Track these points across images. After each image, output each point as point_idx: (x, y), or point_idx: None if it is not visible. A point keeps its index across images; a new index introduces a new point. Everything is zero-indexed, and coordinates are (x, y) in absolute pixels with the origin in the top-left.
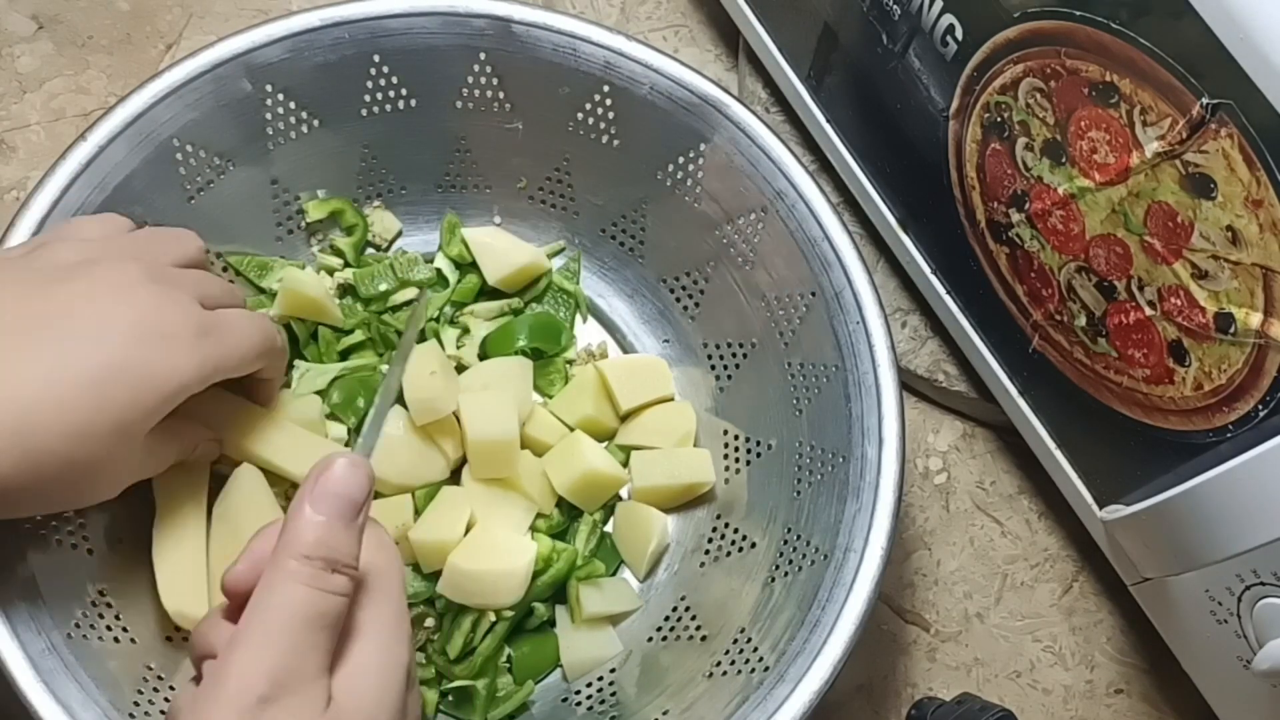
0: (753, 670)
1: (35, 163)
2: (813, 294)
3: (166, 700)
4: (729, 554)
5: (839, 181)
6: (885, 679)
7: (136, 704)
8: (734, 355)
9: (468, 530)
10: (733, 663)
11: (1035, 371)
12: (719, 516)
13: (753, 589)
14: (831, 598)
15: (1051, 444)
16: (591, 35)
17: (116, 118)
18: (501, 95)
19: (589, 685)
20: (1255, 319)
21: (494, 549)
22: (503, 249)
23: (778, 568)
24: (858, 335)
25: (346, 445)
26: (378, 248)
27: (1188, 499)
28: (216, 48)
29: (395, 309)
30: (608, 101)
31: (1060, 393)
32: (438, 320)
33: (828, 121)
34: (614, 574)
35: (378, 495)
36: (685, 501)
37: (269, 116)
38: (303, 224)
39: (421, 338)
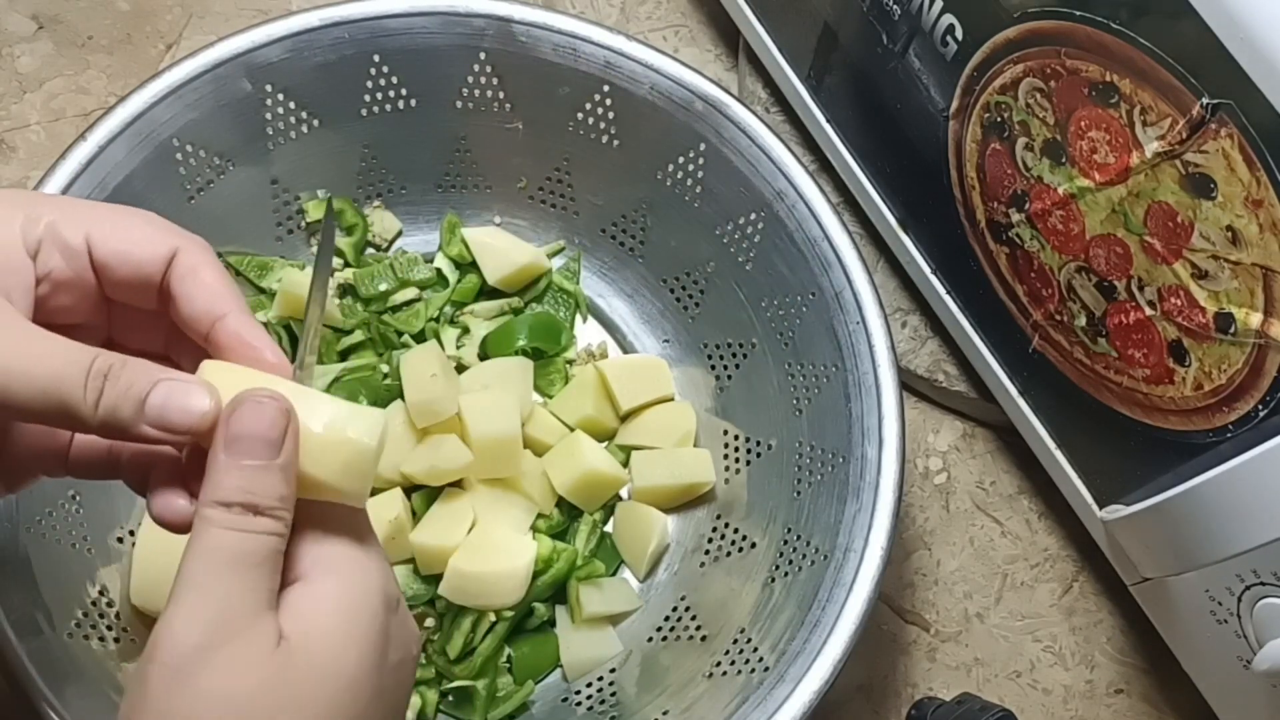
0: (753, 670)
1: (35, 163)
2: (813, 294)
3: None
4: (729, 554)
5: (839, 181)
6: (885, 679)
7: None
8: (734, 355)
9: (468, 531)
10: (733, 663)
11: (1035, 371)
12: (719, 516)
13: (753, 589)
14: (831, 598)
15: (1051, 444)
16: (591, 35)
17: (116, 118)
18: (501, 95)
19: (589, 685)
20: (1255, 319)
21: (494, 550)
22: (503, 249)
23: (778, 568)
24: (858, 335)
25: None
26: (377, 248)
27: (1188, 499)
28: (216, 48)
29: (395, 309)
30: (608, 101)
31: (1060, 393)
32: (438, 320)
33: (828, 121)
34: (614, 574)
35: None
36: (685, 501)
37: (269, 116)
38: (303, 224)
39: (421, 338)
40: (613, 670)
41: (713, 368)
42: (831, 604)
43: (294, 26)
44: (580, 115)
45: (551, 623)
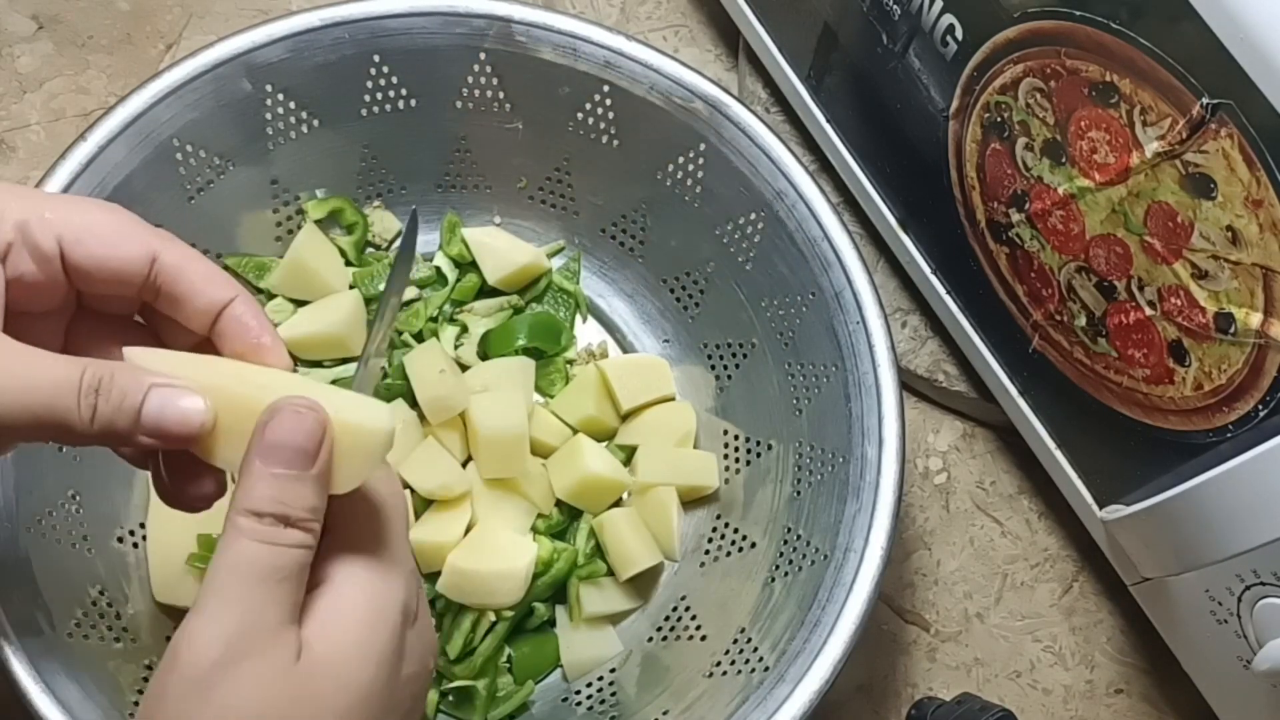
0: (753, 670)
1: (35, 163)
2: (813, 294)
3: None
4: (729, 554)
5: (839, 181)
6: (885, 679)
7: (136, 704)
8: (734, 355)
9: (467, 531)
10: (733, 663)
11: (1035, 371)
12: (719, 516)
13: (753, 589)
14: (831, 598)
15: (1051, 444)
16: (591, 35)
17: (116, 118)
18: (501, 95)
19: (589, 685)
20: (1255, 319)
21: (494, 549)
22: (502, 249)
23: (778, 568)
24: (858, 335)
25: None
26: (377, 247)
27: (1188, 499)
28: (216, 48)
29: None
30: (608, 101)
31: (1060, 393)
32: (436, 320)
33: (828, 121)
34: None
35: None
36: (686, 502)
37: (269, 116)
38: (303, 224)
39: (420, 338)
40: (613, 670)
41: (713, 368)
42: (831, 604)
43: (294, 26)
44: (580, 115)
45: (552, 623)
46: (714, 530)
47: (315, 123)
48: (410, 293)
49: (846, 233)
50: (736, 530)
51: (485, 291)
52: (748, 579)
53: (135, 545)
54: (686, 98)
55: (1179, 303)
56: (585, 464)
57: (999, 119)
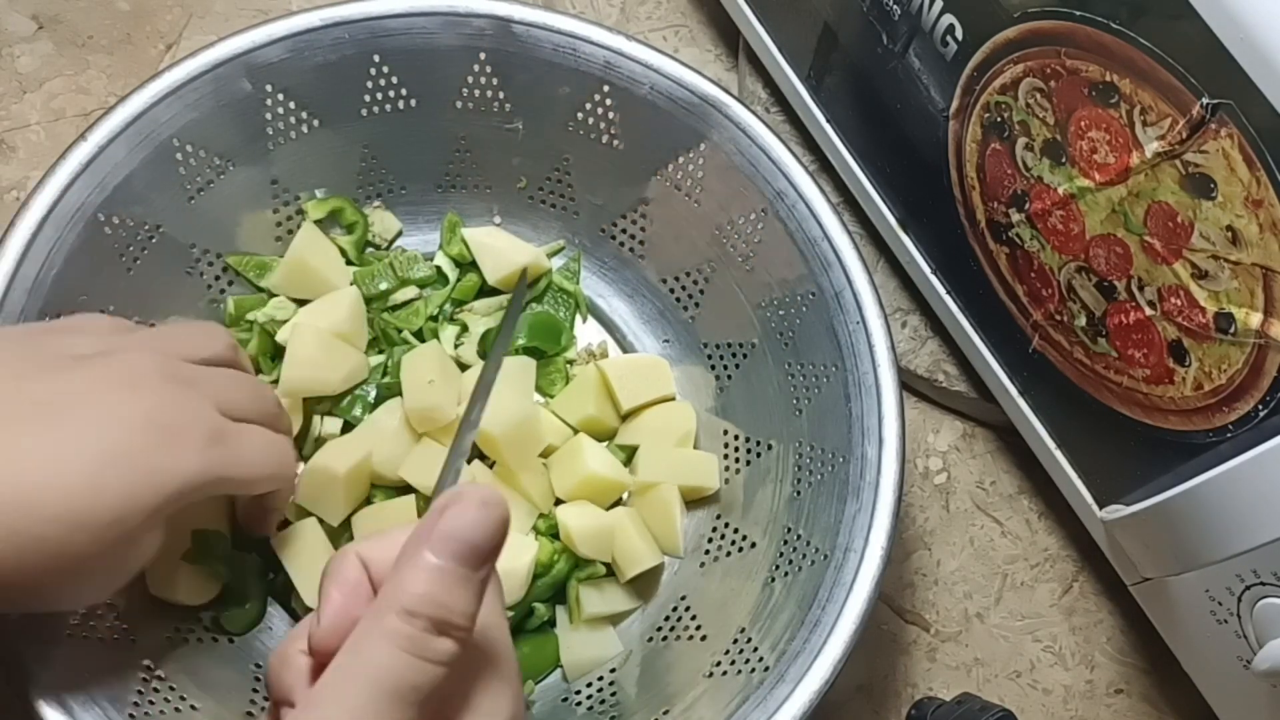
0: (753, 670)
1: (35, 163)
2: (812, 294)
3: (166, 700)
4: (729, 554)
5: (839, 181)
6: (885, 679)
7: (136, 704)
8: (734, 355)
9: None
10: (733, 663)
11: (1035, 371)
12: (719, 516)
13: (753, 589)
14: (831, 598)
15: (1051, 444)
16: (591, 35)
17: (116, 118)
18: (501, 95)
19: (589, 685)
20: (1255, 319)
21: None
22: (502, 249)
23: (778, 568)
24: (858, 335)
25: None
26: (377, 247)
27: (1188, 499)
28: (216, 48)
29: (395, 308)
30: (608, 101)
31: (1060, 393)
32: (436, 319)
33: (828, 121)
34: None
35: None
36: (686, 502)
37: (269, 116)
38: (303, 224)
39: (420, 337)
40: (613, 670)
41: (712, 368)
42: (831, 604)
43: (294, 27)
44: (580, 115)
45: (551, 623)
46: (714, 530)
47: (315, 123)
48: (410, 292)
49: (846, 233)
50: (736, 530)
51: (485, 291)
52: (748, 579)
53: None
54: (686, 98)
55: (1179, 303)
56: (586, 464)
57: (999, 119)
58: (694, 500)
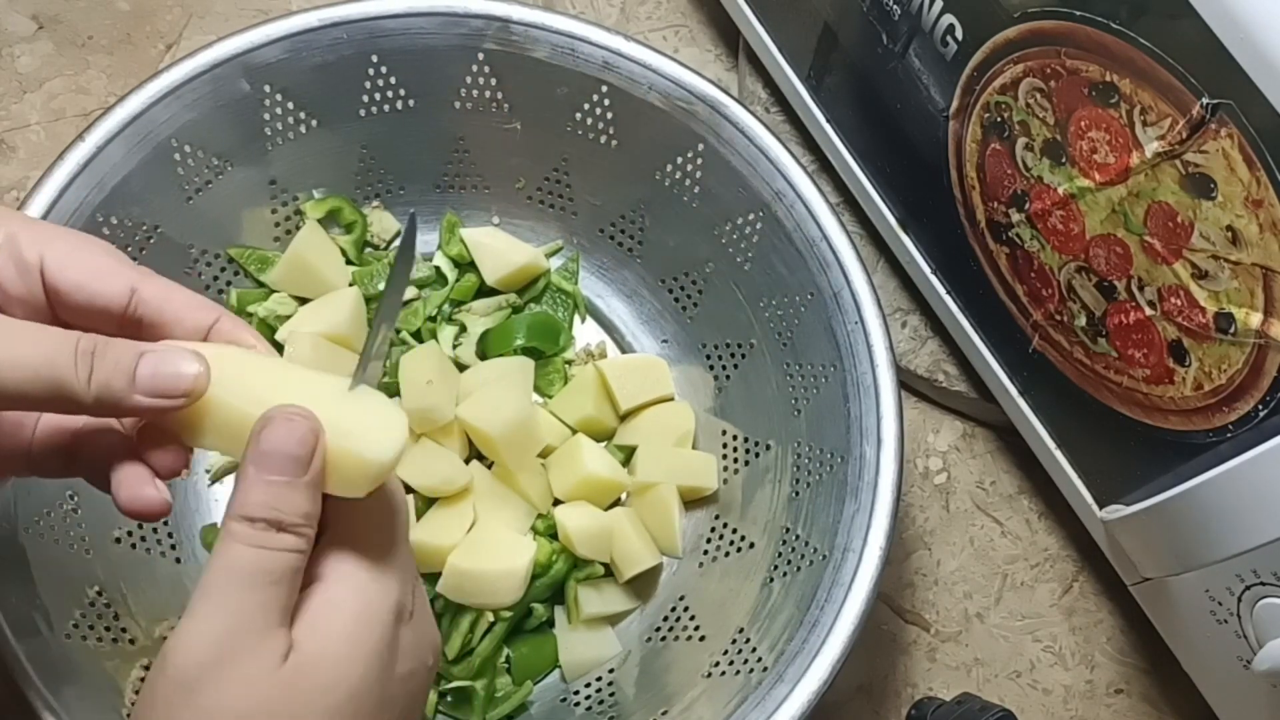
0: (751, 670)
1: (35, 163)
2: (811, 294)
3: None
4: (728, 554)
5: (839, 181)
6: (885, 679)
7: (134, 704)
8: (733, 355)
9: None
10: (731, 663)
11: (1035, 371)
12: (718, 517)
13: (751, 589)
14: (830, 598)
15: (1051, 444)
16: (590, 35)
17: (114, 118)
18: (500, 95)
19: (588, 685)
20: (1255, 319)
21: (494, 548)
22: (501, 249)
23: (776, 568)
24: (856, 336)
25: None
26: (376, 247)
27: (1188, 499)
28: (215, 48)
29: None
30: (606, 102)
31: (1060, 393)
32: (435, 320)
33: (828, 121)
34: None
35: None
36: (685, 502)
37: (267, 117)
38: (302, 224)
39: (419, 337)
40: (611, 670)
41: (711, 368)
42: (830, 604)
43: (293, 27)
44: (579, 115)
45: (550, 623)
46: (712, 530)
47: (314, 123)
48: (410, 292)
49: (845, 233)
50: (735, 530)
51: (484, 291)
52: (746, 579)
53: (134, 546)
54: (685, 98)
55: (1179, 303)
56: (584, 464)
57: (999, 119)
58: (692, 500)
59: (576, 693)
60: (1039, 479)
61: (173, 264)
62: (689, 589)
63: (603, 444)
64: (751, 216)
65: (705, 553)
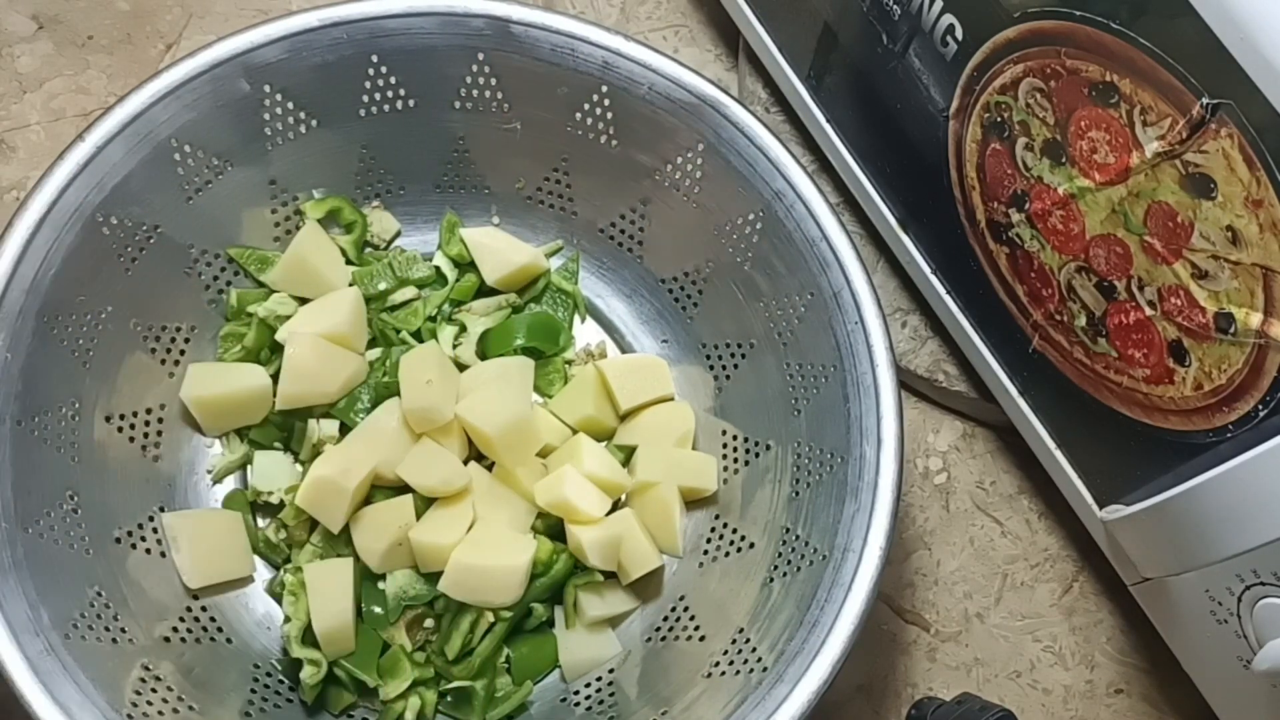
0: (751, 670)
1: (35, 163)
2: (811, 294)
3: (164, 701)
4: (727, 554)
5: (839, 181)
6: (885, 679)
7: (134, 704)
8: (733, 355)
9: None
10: (731, 663)
11: (1035, 371)
12: (717, 517)
13: (751, 589)
14: (830, 598)
15: (1051, 444)
16: (590, 35)
17: (114, 118)
18: (500, 95)
19: (588, 686)
20: (1255, 319)
21: (495, 545)
22: (501, 249)
23: (776, 568)
24: (856, 336)
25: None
26: (376, 247)
27: (1188, 499)
28: (215, 48)
29: (394, 308)
30: (606, 102)
31: (1060, 393)
32: (435, 319)
33: (828, 121)
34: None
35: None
36: (684, 502)
37: (267, 117)
38: (302, 224)
39: (418, 338)
40: (611, 670)
41: (711, 368)
42: (830, 604)
43: (293, 27)
44: (578, 115)
45: (550, 623)
46: (712, 530)
47: (314, 123)
48: (409, 292)
49: (845, 233)
50: (735, 530)
51: (483, 291)
52: (746, 579)
53: (134, 545)
54: (685, 98)
55: (1179, 303)
56: (584, 464)
57: (999, 119)
58: (692, 501)
59: (576, 693)
60: (1039, 479)
61: (173, 264)
62: (689, 589)
63: (603, 444)
64: (751, 216)
65: (705, 553)
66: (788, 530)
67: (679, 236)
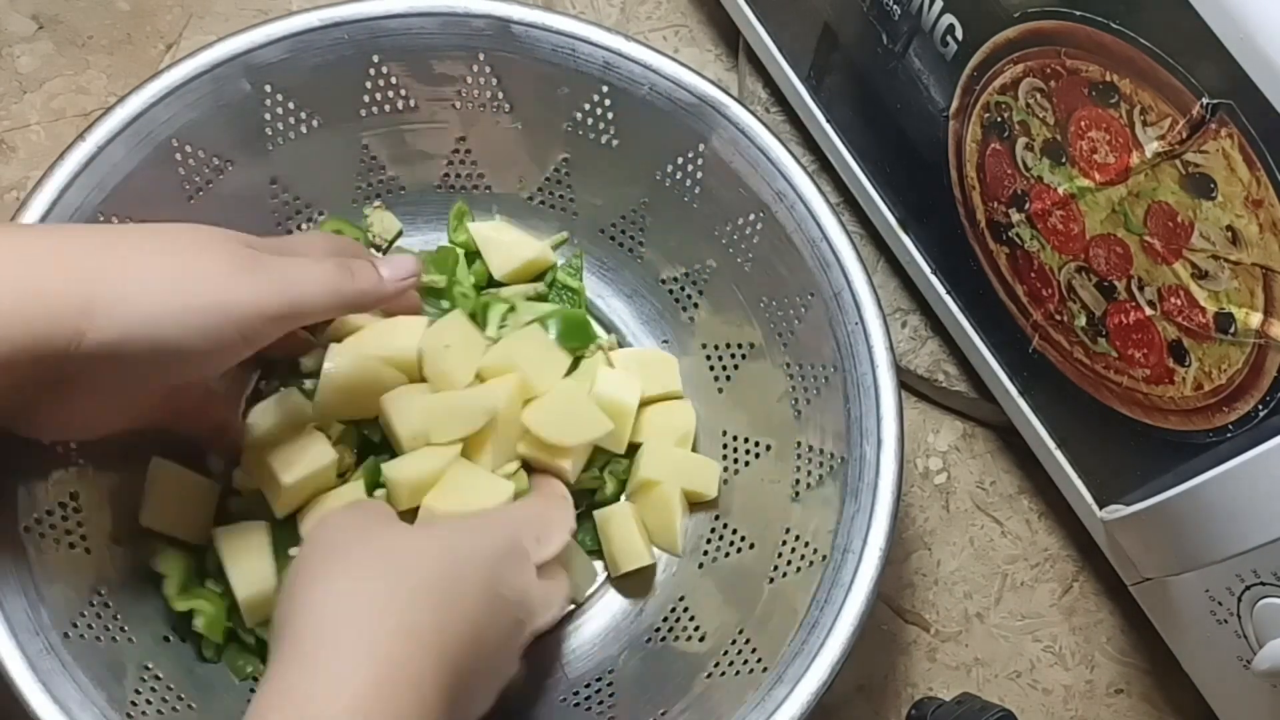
0: (751, 671)
1: (35, 163)
2: (811, 295)
3: (164, 700)
4: (727, 555)
5: (839, 181)
6: (885, 679)
7: (134, 704)
8: (733, 356)
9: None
10: (731, 663)
11: (1035, 371)
12: (717, 517)
13: (751, 590)
14: (830, 598)
15: (1051, 444)
16: (590, 35)
17: (115, 118)
18: (500, 95)
19: (588, 685)
20: (1255, 319)
21: (470, 489)
22: (508, 243)
23: (776, 568)
24: (856, 336)
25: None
26: (378, 248)
27: (1188, 499)
28: (216, 48)
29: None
30: (607, 102)
31: (1060, 393)
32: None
33: (828, 121)
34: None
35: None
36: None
37: (268, 117)
38: (302, 224)
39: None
40: (611, 671)
41: (711, 368)
42: (830, 605)
43: (293, 27)
44: (579, 116)
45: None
46: (712, 531)
47: (315, 123)
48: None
49: (845, 233)
50: (735, 531)
51: (491, 285)
52: (746, 579)
53: (135, 545)
54: (685, 98)
55: (1179, 303)
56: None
57: (999, 119)
58: (693, 503)
59: (576, 693)
60: (1039, 479)
61: None
62: (689, 589)
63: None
64: (752, 217)
65: (705, 553)
66: (787, 531)
67: (679, 237)
